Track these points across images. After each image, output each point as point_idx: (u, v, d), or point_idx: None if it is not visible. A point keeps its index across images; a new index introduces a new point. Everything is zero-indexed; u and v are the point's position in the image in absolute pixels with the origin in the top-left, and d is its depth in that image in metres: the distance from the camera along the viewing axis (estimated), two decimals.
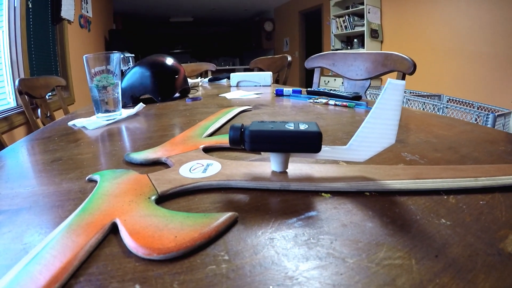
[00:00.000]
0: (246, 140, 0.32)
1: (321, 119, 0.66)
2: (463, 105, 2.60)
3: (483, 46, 2.81)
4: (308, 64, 1.38)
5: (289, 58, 1.84)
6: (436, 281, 0.19)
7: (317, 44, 5.64)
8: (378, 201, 0.29)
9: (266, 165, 0.36)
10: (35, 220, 0.28)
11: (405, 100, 2.67)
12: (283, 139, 0.31)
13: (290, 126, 0.32)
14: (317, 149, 0.31)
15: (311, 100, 0.90)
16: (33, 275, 0.20)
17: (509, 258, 0.20)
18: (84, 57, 0.70)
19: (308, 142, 0.31)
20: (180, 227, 0.24)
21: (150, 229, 0.24)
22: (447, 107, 2.30)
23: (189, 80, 1.31)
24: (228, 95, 1.12)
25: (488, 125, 1.97)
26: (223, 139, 0.49)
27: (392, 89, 0.29)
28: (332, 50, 4.79)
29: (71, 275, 0.20)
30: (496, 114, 2.05)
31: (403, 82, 0.29)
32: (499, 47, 2.68)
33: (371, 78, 1.11)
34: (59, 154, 0.48)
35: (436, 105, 2.37)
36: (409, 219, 0.26)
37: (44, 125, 1.62)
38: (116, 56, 0.72)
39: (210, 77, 1.93)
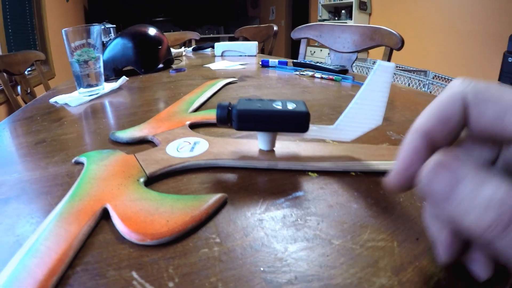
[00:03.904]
0: (234, 119, 0.32)
1: (307, 93, 0.66)
2: (449, 82, 2.62)
3: (471, 24, 2.79)
4: (295, 34, 1.36)
5: (275, 28, 1.80)
6: (416, 263, 0.20)
7: (304, 14, 5.51)
8: (364, 182, 0.30)
9: (253, 143, 0.36)
10: (24, 209, 0.28)
11: None
12: (271, 118, 0.31)
13: (278, 106, 0.32)
14: (305, 129, 0.32)
15: (297, 73, 0.89)
16: (30, 269, 0.20)
17: None
18: (63, 31, 0.66)
19: (296, 122, 0.31)
20: (171, 211, 0.24)
21: (142, 214, 0.24)
22: (432, 84, 2.32)
23: (172, 50, 1.27)
24: (212, 66, 1.09)
25: None
26: (209, 115, 0.48)
27: (381, 71, 0.30)
28: (319, 20, 4.69)
29: (68, 266, 0.20)
30: None
31: (392, 64, 0.29)
32: (486, 26, 2.66)
33: (358, 51, 1.10)
34: (42, 135, 0.47)
35: (421, 80, 2.38)
36: (392, 201, 0.27)
37: (25, 102, 1.56)
38: (96, 28, 0.69)
39: (194, 46, 1.87)
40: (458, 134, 0.16)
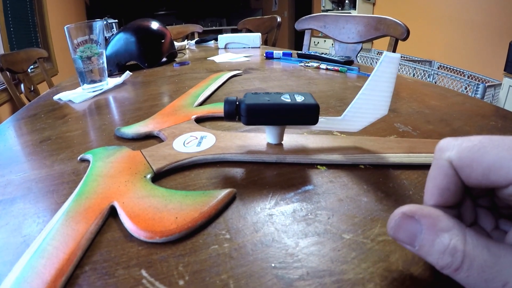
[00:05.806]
0: (243, 114, 0.31)
1: (313, 85, 0.65)
2: (454, 72, 2.58)
3: (477, 15, 2.73)
4: (299, 25, 1.34)
5: (279, 19, 1.77)
6: None
7: (307, 4, 5.44)
8: (373, 175, 0.29)
9: (261, 136, 0.36)
10: (31, 209, 0.28)
11: None
12: (281, 112, 0.31)
13: (287, 99, 0.31)
14: (315, 121, 0.31)
15: (302, 64, 0.88)
16: (38, 270, 0.19)
17: None
18: (65, 28, 0.66)
19: (306, 115, 0.31)
20: (179, 207, 0.24)
21: (150, 211, 0.24)
22: (437, 74, 2.28)
23: (175, 43, 1.26)
24: (216, 59, 1.09)
25: (478, 95, 1.95)
26: (215, 108, 0.48)
27: (388, 62, 0.29)
28: (322, 10, 4.62)
29: (76, 265, 0.20)
30: (486, 84, 2.04)
31: (398, 55, 0.29)
32: (492, 17, 2.61)
33: (363, 42, 1.09)
34: (47, 133, 0.46)
35: (426, 71, 2.35)
36: (402, 194, 0.26)
37: (28, 100, 1.57)
38: (99, 24, 0.69)
39: (197, 39, 1.86)
40: (463, 190, 0.17)
